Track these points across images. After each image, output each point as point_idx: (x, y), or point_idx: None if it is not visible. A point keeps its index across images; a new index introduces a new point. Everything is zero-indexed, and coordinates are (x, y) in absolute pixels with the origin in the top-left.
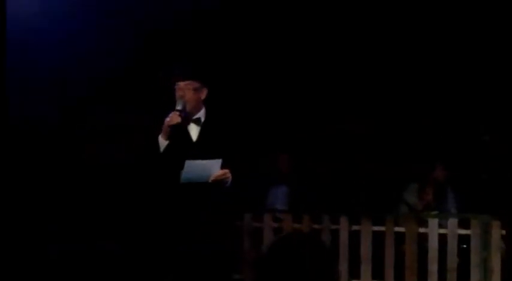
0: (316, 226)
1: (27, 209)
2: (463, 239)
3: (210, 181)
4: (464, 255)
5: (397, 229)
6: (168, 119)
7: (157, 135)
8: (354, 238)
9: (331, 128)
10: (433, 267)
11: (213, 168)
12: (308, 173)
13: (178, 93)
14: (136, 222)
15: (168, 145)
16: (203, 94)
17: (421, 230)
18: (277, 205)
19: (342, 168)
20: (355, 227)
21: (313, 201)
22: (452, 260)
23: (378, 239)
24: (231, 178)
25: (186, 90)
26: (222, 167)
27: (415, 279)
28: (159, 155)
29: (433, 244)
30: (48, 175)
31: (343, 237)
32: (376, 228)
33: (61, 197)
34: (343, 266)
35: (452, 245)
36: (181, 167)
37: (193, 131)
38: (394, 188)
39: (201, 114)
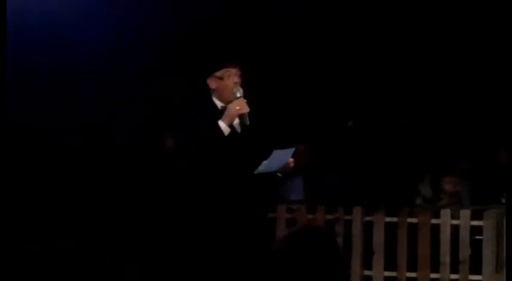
0: (330, 217)
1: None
2: (476, 231)
3: (286, 168)
4: (476, 246)
5: (410, 220)
6: (236, 107)
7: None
8: (368, 229)
9: (352, 119)
10: (445, 258)
11: (288, 156)
12: (326, 164)
13: (234, 80)
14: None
15: (232, 131)
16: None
17: (434, 221)
18: (292, 196)
19: (361, 160)
20: (368, 218)
21: (330, 192)
22: (465, 252)
23: (392, 230)
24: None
25: (239, 77)
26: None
27: (428, 270)
28: (225, 140)
29: (446, 235)
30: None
31: (356, 228)
32: (389, 219)
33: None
34: (356, 257)
35: (464, 237)
36: (243, 153)
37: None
38: (411, 180)
39: None
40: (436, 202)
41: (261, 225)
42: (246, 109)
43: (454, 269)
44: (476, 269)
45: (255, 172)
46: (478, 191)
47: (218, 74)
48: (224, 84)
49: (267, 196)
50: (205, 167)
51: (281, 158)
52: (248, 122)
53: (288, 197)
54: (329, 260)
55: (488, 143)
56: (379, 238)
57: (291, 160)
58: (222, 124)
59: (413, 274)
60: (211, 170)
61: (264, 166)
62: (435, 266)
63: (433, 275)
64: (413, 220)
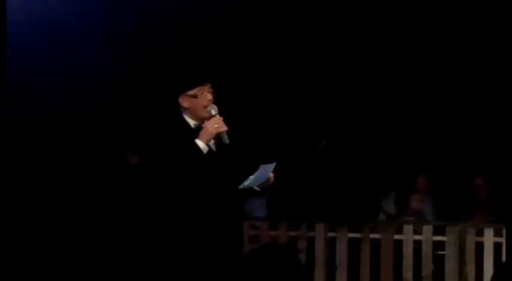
0: (293, 234)
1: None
2: (439, 246)
3: (266, 183)
4: (439, 262)
5: (373, 235)
6: (215, 125)
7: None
8: (331, 245)
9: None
10: (408, 274)
11: (269, 171)
12: (287, 182)
13: (207, 97)
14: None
15: (209, 150)
16: None
17: (397, 237)
18: (255, 213)
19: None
20: (331, 234)
21: (291, 209)
22: (428, 267)
23: (355, 246)
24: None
25: (212, 94)
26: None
27: None
28: (203, 158)
29: (408, 250)
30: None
31: (319, 244)
32: (352, 235)
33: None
34: (320, 273)
35: (427, 252)
36: (219, 172)
37: None
38: (374, 197)
39: None
40: (398, 219)
41: (234, 244)
42: (224, 127)
43: None
44: None
45: (240, 187)
46: (440, 207)
47: (191, 92)
48: (198, 102)
49: (242, 214)
50: (181, 186)
51: (264, 172)
52: (227, 141)
53: (250, 214)
54: (292, 276)
55: (455, 160)
56: (342, 253)
57: (272, 175)
58: (200, 143)
59: None
60: (185, 188)
61: (250, 181)
62: None
63: None
64: (376, 236)
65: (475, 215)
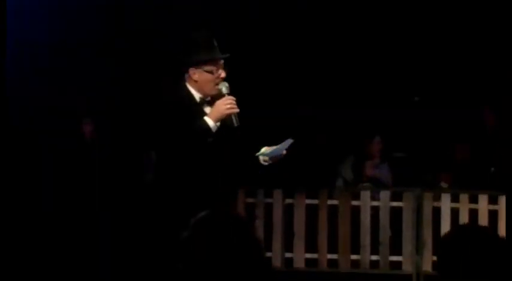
0: (250, 200)
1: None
2: (397, 212)
3: (279, 157)
4: (396, 228)
5: (330, 202)
6: (227, 105)
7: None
8: (289, 212)
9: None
10: (365, 240)
11: (286, 146)
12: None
13: (222, 75)
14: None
15: (218, 128)
16: None
17: (354, 203)
18: None
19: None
20: (288, 201)
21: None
22: (385, 233)
23: (312, 213)
24: None
25: (225, 71)
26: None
27: (348, 252)
28: (213, 136)
29: (366, 216)
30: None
31: (277, 211)
32: (309, 201)
33: None
34: (277, 240)
35: (384, 218)
36: (225, 150)
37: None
38: (331, 162)
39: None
40: (356, 184)
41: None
42: (236, 109)
43: (375, 250)
44: (396, 250)
45: (257, 154)
46: (398, 173)
47: (207, 68)
48: (210, 78)
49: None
50: (185, 162)
51: (281, 148)
52: (237, 123)
53: None
54: (244, 244)
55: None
56: (299, 220)
57: (285, 151)
58: (209, 121)
59: (334, 256)
60: (189, 166)
61: (268, 152)
62: (356, 248)
63: (354, 257)
64: (334, 202)
65: (440, 180)
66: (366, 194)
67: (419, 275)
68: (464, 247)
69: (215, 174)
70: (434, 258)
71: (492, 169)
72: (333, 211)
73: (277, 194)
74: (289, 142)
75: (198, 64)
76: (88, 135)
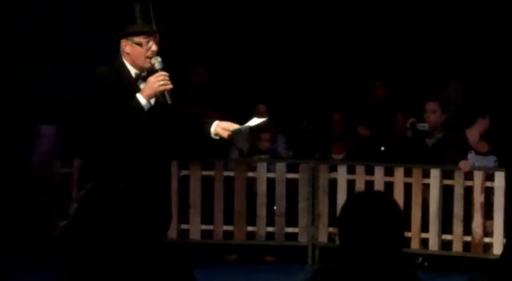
0: None
1: None
2: (292, 184)
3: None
4: (292, 200)
5: (226, 173)
6: (160, 81)
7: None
8: (184, 183)
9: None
10: (261, 212)
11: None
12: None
13: (153, 48)
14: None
15: (151, 106)
16: None
17: (250, 174)
18: None
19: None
20: (184, 172)
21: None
22: (281, 205)
23: (208, 184)
24: None
25: (158, 45)
26: None
27: (244, 224)
28: (145, 115)
29: (262, 188)
30: None
31: (172, 182)
32: (205, 173)
33: None
34: (173, 212)
35: (280, 190)
36: (159, 128)
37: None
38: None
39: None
40: (252, 156)
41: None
42: (169, 85)
43: (270, 222)
44: (291, 222)
45: (232, 129)
46: (294, 145)
47: (136, 39)
48: (141, 50)
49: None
50: (113, 142)
51: (254, 121)
52: (171, 101)
53: None
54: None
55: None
56: (195, 191)
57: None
58: (141, 99)
59: (229, 228)
60: (118, 145)
61: (241, 127)
62: (251, 220)
63: (250, 228)
64: (230, 174)
65: (331, 151)
66: (262, 166)
67: (315, 247)
68: (362, 208)
69: (145, 154)
70: (330, 229)
71: (382, 148)
72: (228, 182)
73: (172, 165)
74: (256, 120)
75: (127, 36)
76: None
